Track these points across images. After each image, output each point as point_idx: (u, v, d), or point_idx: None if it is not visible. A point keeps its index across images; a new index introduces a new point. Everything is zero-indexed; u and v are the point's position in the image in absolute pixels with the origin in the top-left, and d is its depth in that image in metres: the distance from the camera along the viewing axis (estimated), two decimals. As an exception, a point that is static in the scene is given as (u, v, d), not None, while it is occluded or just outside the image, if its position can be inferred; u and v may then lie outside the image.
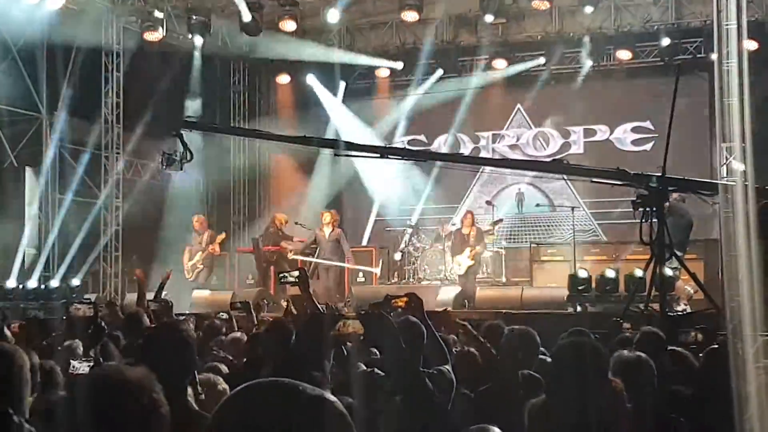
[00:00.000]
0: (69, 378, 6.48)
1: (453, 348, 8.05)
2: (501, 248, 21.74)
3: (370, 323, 6.10)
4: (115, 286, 22.01)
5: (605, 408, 4.53)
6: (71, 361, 6.75)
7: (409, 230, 22.09)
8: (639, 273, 13.58)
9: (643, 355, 5.84)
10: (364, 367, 6.57)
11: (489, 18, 21.92)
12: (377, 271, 21.39)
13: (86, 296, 19.02)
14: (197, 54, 23.95)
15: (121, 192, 22.67)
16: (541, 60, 24.49)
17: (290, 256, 20.58)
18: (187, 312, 15.09)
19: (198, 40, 23.22)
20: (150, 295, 11.64)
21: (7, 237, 20.33)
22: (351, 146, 14.79)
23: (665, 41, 22.80)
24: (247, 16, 22.05)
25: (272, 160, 27.16)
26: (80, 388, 3.00)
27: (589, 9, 21.70)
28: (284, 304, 14.91)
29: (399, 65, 25.35)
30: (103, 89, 22.60)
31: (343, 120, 25.96)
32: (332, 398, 2.25)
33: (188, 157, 11.68)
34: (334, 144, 15.83)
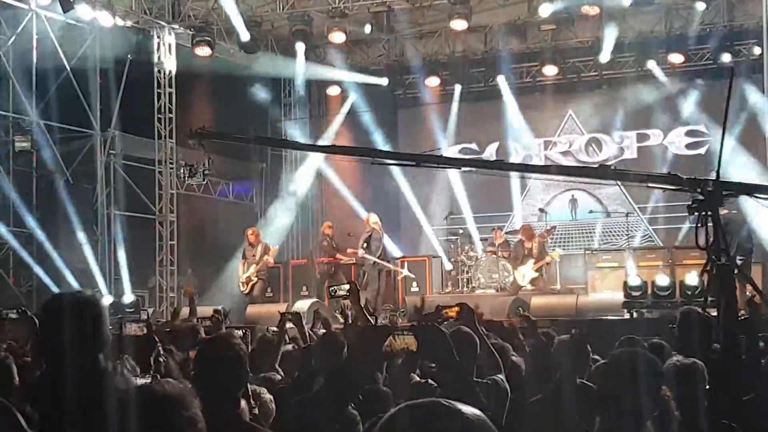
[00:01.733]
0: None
1: (507, 357, 8.00)
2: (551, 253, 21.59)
3: (424, 337, 6.06)
4: (171, 301, 22.13)
5: (654, 419, 4.48)
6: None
7: (462, 239, 22.03)
8: (692, 279, 13.46)
9: (696, 361, 5.76)
10: (418, 378, 6.54)
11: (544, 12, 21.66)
12: (405, 272, 21.40)
13: (142, 310, 19.23)
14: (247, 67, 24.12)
15: (176, 206, 22.82)
16: (590, 65, 24.35)
17: (360, 254, 20.66)
18: (242, 325, 15.14)
19: (247, 55, 23.38)
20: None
21: (64, 253, 20.51)
22: (386, 155, 14.75)
23: (717, 43, 22.56)
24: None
25: (325, 170, 27.22)
26: (124, 402, 3.03)
27: (639, 12, 21.53)
28: (338, 316, 14.96)
29: (447, 73, 25.29)
30: (155, 105, 22.78)
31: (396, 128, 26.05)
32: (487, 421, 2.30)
33: (210, 169, 11.71)
34: (367, 153, 15.73)
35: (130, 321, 8.72)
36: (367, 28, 22.76)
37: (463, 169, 17.26)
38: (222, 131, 18.59)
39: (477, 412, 2.31)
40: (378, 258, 20.34)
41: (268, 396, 6.61)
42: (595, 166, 20.08)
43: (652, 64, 23.80)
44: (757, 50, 19.04)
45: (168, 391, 2.96)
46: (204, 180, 13.37)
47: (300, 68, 25.03)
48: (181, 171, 16.35)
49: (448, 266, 22.29)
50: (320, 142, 25.56)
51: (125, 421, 2.95)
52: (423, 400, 2.33)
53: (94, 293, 4.58)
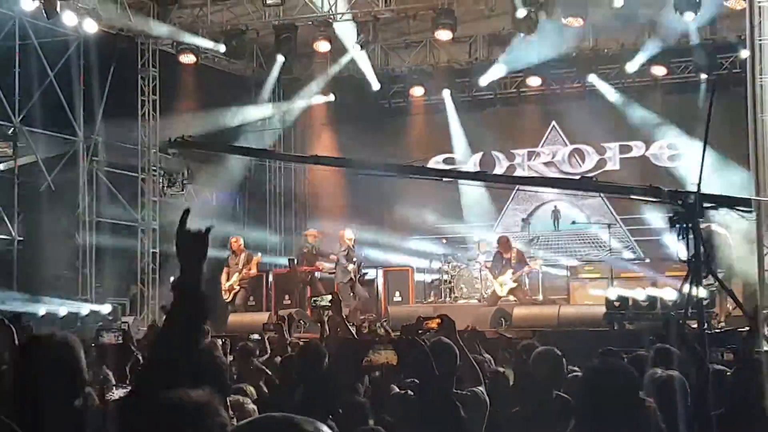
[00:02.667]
0: (105, 404, 6.47)
1: (487, 369, 8.01)
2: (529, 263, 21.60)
3: (405, 351, 6.07)
4: (152, 309, 22.08)
5: (637, 429, 4.49)
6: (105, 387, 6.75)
7: (445, 249, 22.05)
8: (672, 292, 13.49)
9: (676, 373, 5.78)
10: (397, 390, 6.55)
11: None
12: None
13: (124, 320, 19.15)
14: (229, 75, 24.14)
15: (158, 214, 22.79)
16: (575, 76, 24.44)
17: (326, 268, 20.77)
18: (224, 334, 15.10)
19: (233, 62, 23.42)
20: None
21: (45, 260, 20.46)
22: (370, 165, 14.76)
23: (700, 56, 22.68)
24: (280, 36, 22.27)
25: (308, 179, 27.22)
26: (156, 412, 3.03)
27: (622, 25, 21.58)
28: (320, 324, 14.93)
29: (431, 84, 25.31)
30: (139, 112, 22.76)
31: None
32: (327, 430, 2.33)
33: (189, 178, 11.69)
34: (351, 163, 15.74)
35: (107, 330, 8.65)
36: (353, 38, 22.73)
37: (445, 180, 17.32)
38: (203, 141, 18.59)
39: (315, 426, 2.38)
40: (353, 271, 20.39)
41: (251, 406, 6.60)
42: (578, 177, 20.16)
43: (635, 76, 23.87)
44: (744, 53, 19.03)
45: (195, 399, 2.98)
46: (183, 190, 13.33)
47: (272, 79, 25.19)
48: (161, 180, 16.32)
49: (431, 276, 22.29)
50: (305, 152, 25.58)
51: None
52: (266, 415, 2.40)
53: (68, 334, 4.57)
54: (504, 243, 20.41)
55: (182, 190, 13.29)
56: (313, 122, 27.19)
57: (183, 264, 3.55)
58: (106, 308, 19.92)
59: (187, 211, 3.60)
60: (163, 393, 3.00)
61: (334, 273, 21.00)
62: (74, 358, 4.25)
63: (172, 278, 4.12)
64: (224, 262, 21.13)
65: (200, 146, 18.11)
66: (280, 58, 24.18)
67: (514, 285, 19.82)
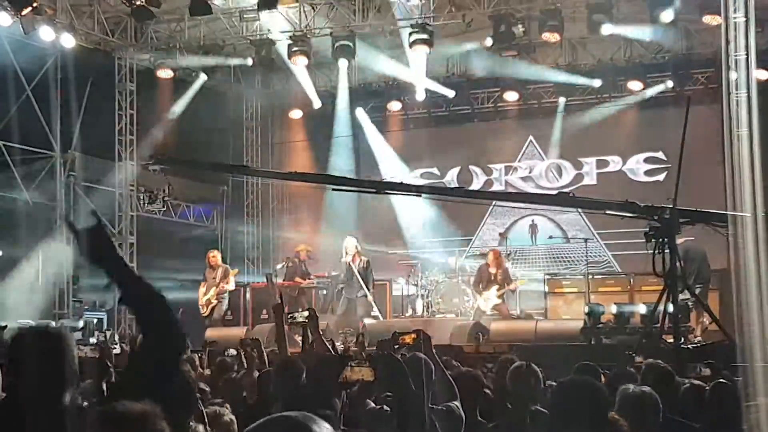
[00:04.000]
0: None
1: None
2: (515, 280, 21.64)
3: (382, 367, 6.08)
4: (130, 323, 22.00)
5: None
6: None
7: (422, 263, 22.06)
8: (649, 306, 13.57)
9: (647, 389, 5.81)
10: (373, 405, 6.55)
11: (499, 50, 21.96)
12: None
13: (102, 332, 19.09)
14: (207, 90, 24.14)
15: (136, 229, 22.76)
16: (551, 91, 24.57)
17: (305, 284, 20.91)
18: (200, 348, 15.06)
19: (210, 77, 23.43)
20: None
21: (21, 275, 20.40)
22: (346, 182, 14.78)
23: (676, 72, 22.84)
24: (258, 52, 22.28)
25: (286, 193, 27.24)
26: (93, 423, 3.04)
27: (599, 40, 21.68)
28: (298, 339, 14.92)
29: (410, 98, 25.33)
30: (116, 127, 22.74)
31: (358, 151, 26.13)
32: None
33: (171, 195, 11.68)
34: (327, 180, 15.76)
35: (82, 344, 8.66)
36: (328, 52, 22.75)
37: (424, 195, 17.34)
38: (182, 157, 18.54)
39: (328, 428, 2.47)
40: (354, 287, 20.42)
41: (229, 416, 6.58)
42: (555, 192, 20.19)
43: (611, 91, 24.02)
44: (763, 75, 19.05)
45: (131, 410, 2.99)
46: (164, 206, 13.31)
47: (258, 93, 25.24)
48: (141, 197, 16.31)
49: (408, 290, 22.28)
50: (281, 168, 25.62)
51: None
52: (275, 415, 2.43)
53: (60, 327, 4.55)
54: (496, 257, 20.30)
55: (163, 206, 13.27)
56: (291, 136, 27.18)
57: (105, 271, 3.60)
58: (80, 324, 19.81)
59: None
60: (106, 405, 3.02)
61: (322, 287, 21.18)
62: (68, 349, 4.21)
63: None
64: (201, 276, 21.13)
65: (182, 163, 18.10)
66: (257, 73, 24.24)
67: (499, 301, 19.80)
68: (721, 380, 7.16)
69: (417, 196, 16.96)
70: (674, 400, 6.50)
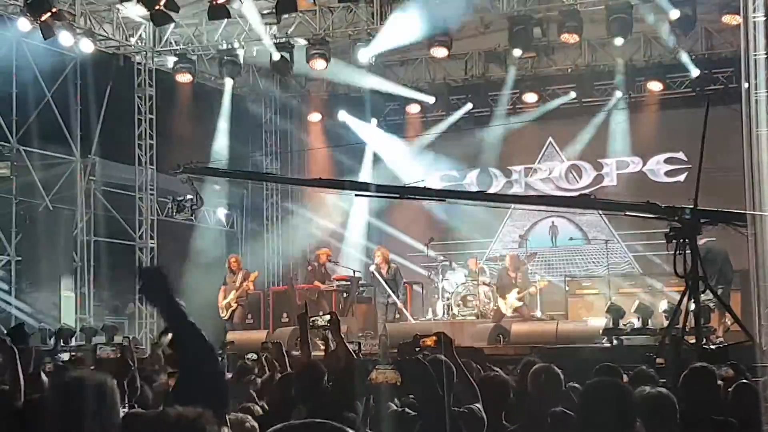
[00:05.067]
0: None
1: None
2: (536, 282, 21.62)
3: (409, 372, 6.06)
4: (150, 327, 22.05)
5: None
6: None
7: (442, 266, 22.05)
8: (665, 306, 13.50)
9: (664, 390, 5.78)
10: (395, 407, 6.55)
11: (518, 52, 21.95)
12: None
13: (117, 338, 19.11)
14: (228, 94, 24.15)
15: (156, 233, 22.80)
16: (572, 93, 24.48)
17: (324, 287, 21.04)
18: (220, 352, 15.08)
19: (228, 81, 23.45)
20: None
21: (44, 280, 20.49)
22: (369, 187, 14.78)
23: (696, 72, 22.74)
24: (276, 56, 22.26)
25: (305, 197, 27.23)
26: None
27: (619, 41, 21.57)
28: (319, 343, 14.93)
29: (430, 100, 25.30)
30: (136, 131, 22.79)
31: (377, 155, 26.12)
32: None
33: (198, 204, 11.70)
34: (351, 186, 15.75)
35: (103, 345, 8.66)
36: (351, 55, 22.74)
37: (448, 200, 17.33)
38: (210, 166, 18.61)
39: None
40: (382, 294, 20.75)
41: (252, 423, 6.58)
42: (576, 194, 20.17)
43: (631, 92, 23.92)
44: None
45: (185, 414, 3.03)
46: (192, 215, 13.28)
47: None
48: (169, 206, 16.33)
49: (429, 293, 22.31)
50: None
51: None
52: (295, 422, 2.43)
53: (105, 377, 4.30)
54: (513, 261, 20.50)
55: (191, 216, 13.24)
56: (310, 140, 27.16)
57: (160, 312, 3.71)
58: (98, 325, 19.86)
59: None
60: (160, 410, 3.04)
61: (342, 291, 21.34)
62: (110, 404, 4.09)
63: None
64: (222, 280, 21.19)
65: (209, 172, 18.15)
66: (276, 76, 24.32)
67: (520, 304, 19.88)
68: (744, 381, 7.13)
69: (441, 201, 16.96)
70: (717, 401, 6.49)
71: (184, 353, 3.80)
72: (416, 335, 7.12)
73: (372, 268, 21.29)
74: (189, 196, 13.84)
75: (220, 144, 23.94)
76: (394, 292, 20.72)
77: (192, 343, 3.74)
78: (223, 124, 24.22)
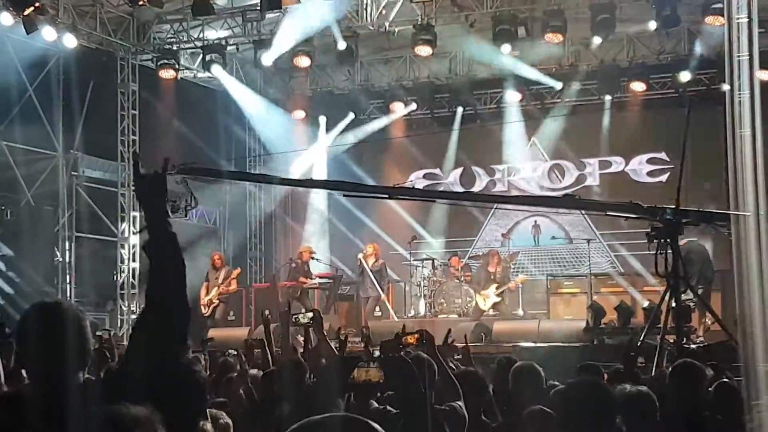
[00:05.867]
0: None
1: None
2: (515, 279, 21.64)
3: (392, 370, 6.07)
4: (131, 323, 22.00)
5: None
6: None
7: (424, 263, 22.09)
8: (646, 305, 13.53)
9: (644, 389, 5.81)
10: (376, 405, 6.56)
11: (506, 48, 21.81)
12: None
13: (97, 333, 19.05)
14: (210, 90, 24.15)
15: (138, 229, 22.75)
16: (556, 92, 24.52)
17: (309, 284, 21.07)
18: (200, 349, 15.05)
19: (212, 77, 23.43)
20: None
21: (26, 276, 20.42)
22: (357, 188, 14.77)
23: (679, 73, 22.80)
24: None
25: (288, 196, 27.21)
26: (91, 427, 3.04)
27: (598, 40, 21.67)
28: (300, 339, 14.93)
29: (413, 99, 25.31)
30: (119, 127, 22.73)
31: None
32: None
33: (192, 204, 11.61)
34: (340, 186, 15.73)
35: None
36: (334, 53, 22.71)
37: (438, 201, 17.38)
38: (203, 165, 18.56)
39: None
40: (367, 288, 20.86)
41: (226, 420, 6.60)
42: (559, 194, 20.22)
43: (614, 92, 23.95)
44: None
45: (134, 415, 2.96)
46: (186, 216, 13.23)
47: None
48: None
49: (411, 291, 22.35)
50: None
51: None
52: (326, 416, 2.44)
53: (74, 305, 4.42)
54: (494, 256, 20.59)
55: (186, 216, 13.27)
56: (294, 139, 27.10)
57: (147, 213, 3.70)
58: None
59: (135, 153, 3.90)
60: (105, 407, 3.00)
61: (324, 288, 21.43)
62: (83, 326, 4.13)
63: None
64: (204, 276, 21.15)
65: (203, 172, 18.11)
66: (261, 74, 24.29)
67: (498, 300, 19.93)
68: (725, 380, 7.17)
69: (432, 201, 17.00)
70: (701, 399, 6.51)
71: (157, 259, 3.77)
72: (398, 333, 7.15)
73: (360, 256, 21.33)
74: (185, 197, 13.82)
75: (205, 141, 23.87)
76: (378, 285, 20.82)
77: (165, 249, 3.73)
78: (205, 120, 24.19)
